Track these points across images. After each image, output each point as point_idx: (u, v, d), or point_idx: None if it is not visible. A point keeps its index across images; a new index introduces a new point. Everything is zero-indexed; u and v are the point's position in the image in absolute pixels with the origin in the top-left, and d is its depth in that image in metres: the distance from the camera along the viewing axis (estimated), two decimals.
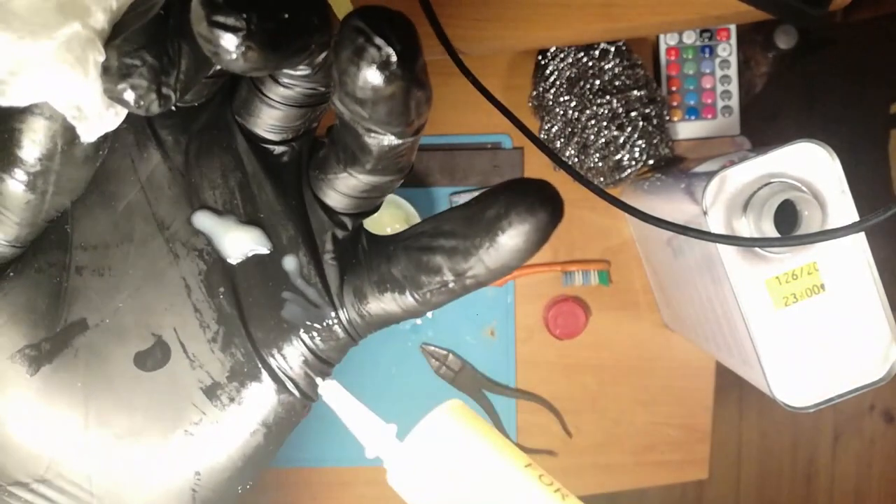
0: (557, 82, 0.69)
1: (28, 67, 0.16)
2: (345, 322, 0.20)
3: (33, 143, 0.18)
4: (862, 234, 0.51)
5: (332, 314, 0.20)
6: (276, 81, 0.19)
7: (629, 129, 0.67)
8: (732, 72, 0.74)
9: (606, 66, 0.68)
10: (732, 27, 0.74)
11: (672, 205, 0.57)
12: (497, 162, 0.74)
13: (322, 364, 0.21)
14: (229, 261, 0.20)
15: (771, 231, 0.48)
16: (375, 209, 0.21)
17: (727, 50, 0.74)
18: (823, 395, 0.52)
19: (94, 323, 0.20)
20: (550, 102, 0.69)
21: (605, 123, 0.67)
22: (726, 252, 0.51)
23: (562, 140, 0.69)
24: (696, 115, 0.75)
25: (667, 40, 0.74)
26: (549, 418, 0.77)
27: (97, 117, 0.17)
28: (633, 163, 0.68)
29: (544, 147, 0.51)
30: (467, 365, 0.76)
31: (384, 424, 0.21)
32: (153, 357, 0.20)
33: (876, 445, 1.58)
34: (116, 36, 0.17)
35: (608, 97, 0.67)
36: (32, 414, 0.19)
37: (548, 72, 0.69)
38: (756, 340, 0.51)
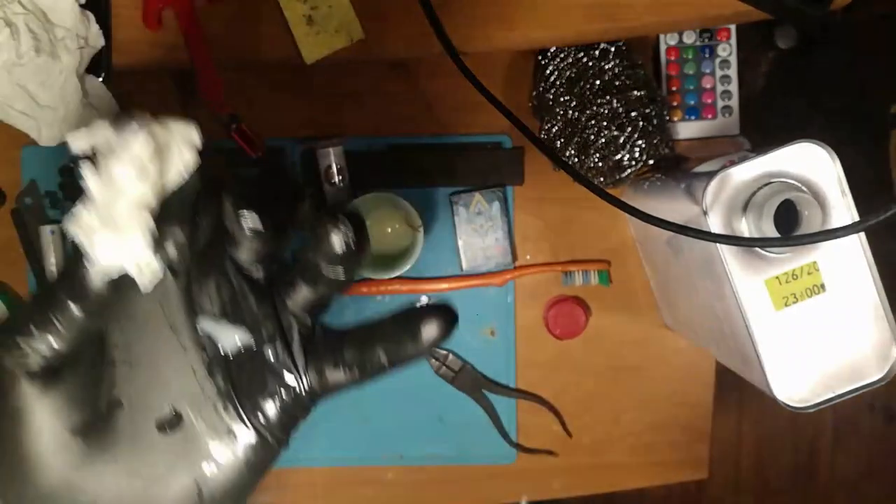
0: (557, 82, 0.69)
1: (121, 251, 0.26)
2: (308, 391, 0.29)
3: (100, 290, 0.26)
4: (862, 234, 0.51)
5: (301, 387, 0.28)
6: None
7: (629, 129, 0.67)
8: (732, 72, 0.74)
9: (606, 66, 0.68)
10: (732, 27, 0.74)
11: (672, 205, 0.57)
12: (497, 162, 0.74)
13: (292, 420, 0.29)
14: (224, 351, 0.28)
15: (771, 231, 0.48)
16: (327, 310, 0.30)
17: (727, 50, 0.74)
18: (823, 395, 0.52)
19: (127, 400, 0.28)
20: (550, 102, 0.69)
21: (605, 123, 0.67)
22: (726, 252, 0.51)
23: (562, 140, 0.69)
24: (696, 115, 0.75)
25: (667, 40, 0.74)
26: (549, 418, 0.77)
27: (150, 271, 0.27)
28: (633, 163, 0.68)
29: (544, 147, 0.51)
30: (467, 365, 0.76)
31: None
32: (170, 422, 0.27)
33: (876, 445, 1.58)
34: (163, 215, 0.26)
35: (608, 97, 0.67)
36: (84, 469, 0.27)
37: (548, 72, 0.69)
38: (756, 340, 0.51)
